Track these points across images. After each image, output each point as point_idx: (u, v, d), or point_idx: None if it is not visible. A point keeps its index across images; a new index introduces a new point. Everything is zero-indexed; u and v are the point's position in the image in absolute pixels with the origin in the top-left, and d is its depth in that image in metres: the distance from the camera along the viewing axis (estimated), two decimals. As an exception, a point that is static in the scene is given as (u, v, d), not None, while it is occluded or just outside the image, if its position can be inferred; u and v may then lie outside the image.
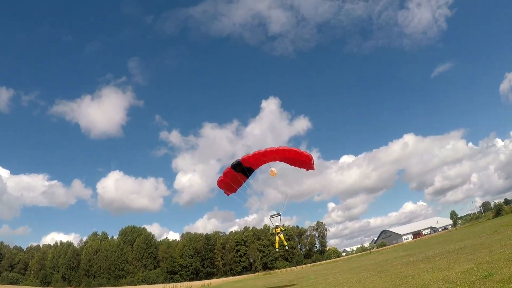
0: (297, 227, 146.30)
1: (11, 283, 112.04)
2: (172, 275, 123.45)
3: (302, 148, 22.53)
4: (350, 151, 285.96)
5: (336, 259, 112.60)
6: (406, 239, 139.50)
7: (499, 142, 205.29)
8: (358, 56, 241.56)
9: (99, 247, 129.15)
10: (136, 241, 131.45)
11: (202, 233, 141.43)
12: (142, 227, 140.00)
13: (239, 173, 22.40)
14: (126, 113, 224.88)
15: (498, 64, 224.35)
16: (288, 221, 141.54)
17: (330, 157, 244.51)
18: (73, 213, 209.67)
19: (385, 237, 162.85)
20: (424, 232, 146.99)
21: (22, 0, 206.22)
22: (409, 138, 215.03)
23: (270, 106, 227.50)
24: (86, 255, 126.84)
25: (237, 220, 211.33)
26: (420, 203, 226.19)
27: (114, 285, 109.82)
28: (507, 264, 12.41)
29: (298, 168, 23.00)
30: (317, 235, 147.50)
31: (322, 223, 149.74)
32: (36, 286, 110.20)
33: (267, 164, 21.86)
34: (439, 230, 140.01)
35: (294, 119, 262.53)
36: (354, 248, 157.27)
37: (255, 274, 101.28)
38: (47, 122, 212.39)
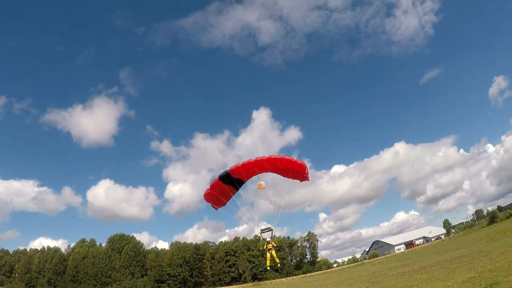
0: (288, 237, 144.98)
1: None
2: (159, 284, 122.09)
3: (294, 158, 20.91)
4: (341, 161, 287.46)
5: (327, 270, 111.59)
6: (399, 249, 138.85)
7: (490, 148, 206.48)
8: (347, 65, 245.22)
9: (87, 254, 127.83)
10: (124, 249, 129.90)
11: (192, 243, 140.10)
12: (131, 235, 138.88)
13: (227, 185, 20.77)
14: (117, 123, 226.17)
15: (486, 68, 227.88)
16: (279, 232, 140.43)
17: (321, 167, 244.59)
18: (62, 219, 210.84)
19: (377, 248, 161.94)
20: (417, 242, 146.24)
21: (15, 10, 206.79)
22: (400, 147, 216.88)
23: (261, 116, 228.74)
24: (73, 261, 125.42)
25: (227, 231, 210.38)
26: (412, 212, 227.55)
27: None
28: (511, 272, 11.62)
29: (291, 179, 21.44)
30: (308, 246, 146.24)
31: (313, 233, 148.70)
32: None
33: (258, 175, 20.60)
34: (432, 239, 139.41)
35: (285, 129, 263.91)
36: (346, 259, 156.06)
37: (244, 285, 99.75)
38: (38, 130, 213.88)
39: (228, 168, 20.52)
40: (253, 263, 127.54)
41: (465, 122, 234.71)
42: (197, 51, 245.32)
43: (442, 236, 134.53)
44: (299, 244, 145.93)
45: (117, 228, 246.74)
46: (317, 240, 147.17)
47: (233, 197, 21.65)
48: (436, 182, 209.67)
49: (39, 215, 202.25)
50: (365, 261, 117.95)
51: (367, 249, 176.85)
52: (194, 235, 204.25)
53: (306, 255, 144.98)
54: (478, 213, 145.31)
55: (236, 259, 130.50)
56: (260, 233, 21.08)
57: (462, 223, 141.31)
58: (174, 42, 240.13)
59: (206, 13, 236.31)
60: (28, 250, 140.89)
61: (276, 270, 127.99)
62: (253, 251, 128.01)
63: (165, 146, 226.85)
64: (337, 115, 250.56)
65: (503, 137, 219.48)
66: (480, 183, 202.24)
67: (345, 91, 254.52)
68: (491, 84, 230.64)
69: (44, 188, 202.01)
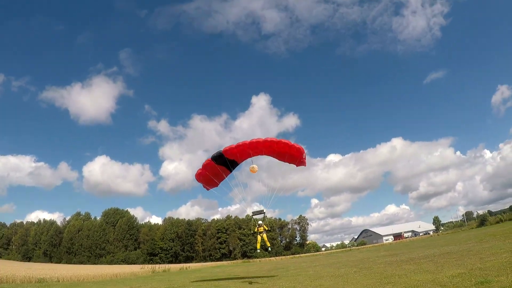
0: (280, 219, 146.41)
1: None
2: (152, 257, 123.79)
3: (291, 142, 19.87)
4: (338, 151, 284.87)
5: (315, 253, 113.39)
6: (387, 240, 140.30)
7: (487, 154, 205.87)
8: (351, 59, 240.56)
9: (82, 227, 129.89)
10: (118, 223, 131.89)
11: (184, 219, 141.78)
12: (126, 209, 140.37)
13: (220, 166, 20.00)
14: (115, 102, 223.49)
15: (491, 76, 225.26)
16: (271, 213, 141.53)
17: (317, 154, 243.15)
18: (58, 193, 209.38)
19: (366, 236, 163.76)
20: (405, 235, 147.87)
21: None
22: (397, 142, 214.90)
23: (260, 102, 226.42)
24: (68, 233, 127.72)
25: (220, 209, 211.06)
26: (403, 206, 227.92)
27: (94, 263, 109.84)
28: (503, 273, 12.14)
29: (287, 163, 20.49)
30: (298, 228, 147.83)
31: (304, 217, 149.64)
32: (17, 261, 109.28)
33: (252, 158, 19.74)
34: (421, 234, 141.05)
35: (283, 115, 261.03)
36: (334, 244, 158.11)
37: (233, 261, 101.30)
38: (36, 107, 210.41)
39: (221, 149, 19.83)
40: (244, 241, 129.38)
41: (465, 126, 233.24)
42: (199, 36, 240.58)
43: (431, 232, 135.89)
44: (290, 227, 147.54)
45: (112, 202, 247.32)
46: (308, 224, 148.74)
47: (226, 178, 20.97)
48: (430, 180, 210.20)
49: (36, 189, 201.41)
50: (353, 247, 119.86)
51: (355, 237, 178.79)
52: (187, 211, 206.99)
53: (296, 237, 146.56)
54: (468, 214, 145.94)
55: (227, 236, 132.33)
56: (252, 215, 20.62)
57: (452, 222, 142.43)
58: (176, 26, 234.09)
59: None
60: (24, 223, 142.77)
61: (266, 249, 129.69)
62: (244, 229, 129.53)
63: (162, 126, 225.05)
64: (336, 106, 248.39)
65: (501, 145, 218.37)
66: (473, 186, 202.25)
67: (347, 84, 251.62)
68: (495, 92, 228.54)
69: (41, 164, 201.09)
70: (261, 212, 20.21)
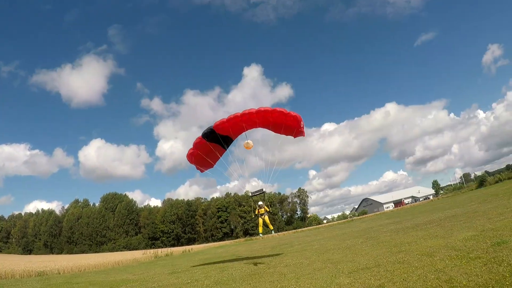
0: (279, 193, 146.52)
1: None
2: (153, 241, 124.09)
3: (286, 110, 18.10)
4: (332, 119, 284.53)
5: (317, 226, 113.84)
6: (388, 207, 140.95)
7: (481, 114, 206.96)
8: (341, 24, 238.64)
9: (81, 214, 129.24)
10: (117, 208, 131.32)
11: (184, 200, 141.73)
12: (124, 194, 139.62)
13: (213, 143, 18.25)
14: (107, 81, 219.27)
15: (481, 35, 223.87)
16: (270, 188, 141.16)
17: (312, 124, 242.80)
18: (55, 181, 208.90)
19: (366, 205, 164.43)
20: (406, 201, 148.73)
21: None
22: (391, 107, 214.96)
23: (252, 73, 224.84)
24: (67, 222, 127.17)
25: (218, 187, 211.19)
26: (401, 172, 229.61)
27: (95, 252, 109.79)
28: (516, 232, 11.30)
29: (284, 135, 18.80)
30: (298, 202, 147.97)
31: (303, 190, 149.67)
32: (18, 254, 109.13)
33: (246, 132, 18.18)
34: (421, 199, 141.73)
35: (276, 86, 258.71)
36: (335, 215, 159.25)
37: (236, 240, 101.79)
38: (28, 92, 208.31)
39: (212, 124, 18.02)
40: (245, 218, 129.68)
41: (457, 87, 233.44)
42: (188, 7, 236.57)
43: (431, 197, 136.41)
44: (290, 200, 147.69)
45: (109, 187, 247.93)
46: (307, 196, 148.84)
47: (221, 157, 19.16)
48: (425, 144, 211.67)
49: (32, 179, 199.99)
50: (355, 217, 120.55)
51: (356, 206, 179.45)
52: (186, 192, 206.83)
53: (297, 211, 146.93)
54: (466, 176, 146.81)
55: (228, 214, 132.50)
56: (251, 196, 19.08)
57: (451, 185, 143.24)
58: None
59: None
60: (23, 214, 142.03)
61: (267, 226, 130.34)
62: (244, 206, 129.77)
63: (156, 103, 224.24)
64: (329, 73, 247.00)
65: (494, 105, 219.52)
66: (469, 147, 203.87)
67: (338, 50, 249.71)
68: (485, 51, 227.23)
69: (36, 151, 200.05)
70: (260, 191, 18.67)
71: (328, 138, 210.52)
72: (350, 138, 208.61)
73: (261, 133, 19.32)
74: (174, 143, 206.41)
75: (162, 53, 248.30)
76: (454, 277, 8.03)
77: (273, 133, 18.87)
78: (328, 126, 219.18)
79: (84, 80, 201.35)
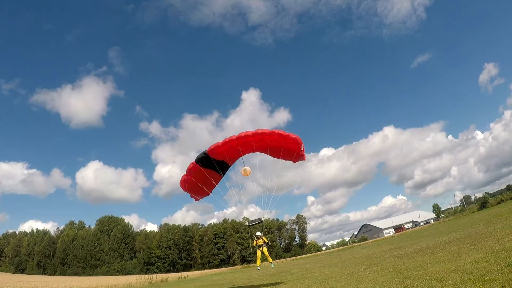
0: (277, 220, 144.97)
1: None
2: (148, 266, 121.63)
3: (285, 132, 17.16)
4: (330, 144, 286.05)
5: (316, 253, 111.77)
6: (388, 233, 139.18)
7: (479, 135, 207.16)
8: (338, 46, 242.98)
9: (76, 236, 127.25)
10: (113, 231, 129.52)
11: (180, 225, 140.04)
12: (120, 217, 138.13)
13: (208, 169, 16.86)
14: (106, 103, 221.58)
15: (477, 55, 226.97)
16: (267, 214, 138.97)
17: (310, 149, 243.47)
18: (51, 202, 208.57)
19: (366, 231, 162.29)
20: (406, 226, 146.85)
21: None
22: (389, 131, 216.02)
23: (251, 97, 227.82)
24: (62, 243, 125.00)
25: (216, 213, 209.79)
26: (400, 197, 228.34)
27: (89, 275, 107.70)
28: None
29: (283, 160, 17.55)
30: (297, 228, 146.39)
31: (302, 216, 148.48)
32: (10, 273, 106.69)
33: (243, 157, 17.00)
34: (421, 224, 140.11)
35: (274, 110, 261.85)
36: (335, 242, 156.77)
37: (233, 267, 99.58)
38: (27, 111, 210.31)
39: (206, 149, 16.67)
40: (242, 245, 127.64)
41: (455, 108, 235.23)
42: (187, 30, 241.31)
43: (432, 221, 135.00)
44: (288, 227, 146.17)
45: (106, 210, 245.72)
46: (306, 223, 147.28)
47: (217, 185, 17.80)
48: (424, 167, 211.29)
49: (29, 198, 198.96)
50: (355, 244, 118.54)
51: (355, 233, 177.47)
52: (183, 217, 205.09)
53: (295, 238, 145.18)
54: (466, 198, 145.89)
55: (225, 241, 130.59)
56: (249, 226, 17.98)
57: (451, 208, 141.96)
58: (163, 20, 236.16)
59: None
60: (17, 233, 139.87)
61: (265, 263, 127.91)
62: (241, 233, 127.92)
63: (154, 127, 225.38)
64: (326, 97, 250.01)
65: (491, 124, 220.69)
66: (468, 169, 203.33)
67: (336, 73, 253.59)
68: (482, 70, 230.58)
69: (33, 170, 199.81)
70: (258, 221, 17.58)
71: (326, 163, 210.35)
72: (349, 163, 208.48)
73: (259, 157, 18.24)
74: (172, 167, 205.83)
75: (161, 75, 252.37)
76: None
77: (272, 158, 17.75)
78: (326, 151, 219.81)
79: (84, 101, 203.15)
